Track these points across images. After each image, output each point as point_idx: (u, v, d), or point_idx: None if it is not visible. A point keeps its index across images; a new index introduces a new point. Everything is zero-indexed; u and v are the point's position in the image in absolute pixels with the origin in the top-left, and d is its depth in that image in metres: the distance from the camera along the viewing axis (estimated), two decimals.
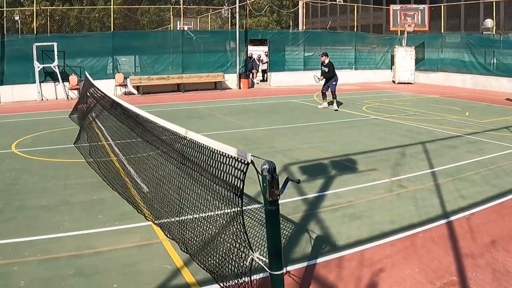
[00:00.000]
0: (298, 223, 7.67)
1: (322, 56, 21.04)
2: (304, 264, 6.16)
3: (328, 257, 6.39)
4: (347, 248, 6.68)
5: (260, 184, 4.06)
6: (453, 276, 5.95)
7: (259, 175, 4.04)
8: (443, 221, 7.90)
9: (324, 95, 21.12)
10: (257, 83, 33.75)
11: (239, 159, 4.34)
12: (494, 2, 34.32)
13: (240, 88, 30.48)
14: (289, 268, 5.95)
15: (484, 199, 9.09)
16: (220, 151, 4.72)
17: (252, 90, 30.42)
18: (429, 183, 10.06)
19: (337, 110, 20.36)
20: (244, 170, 4.25)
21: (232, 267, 4.89)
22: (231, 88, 30.38)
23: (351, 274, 5.92)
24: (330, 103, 20.97)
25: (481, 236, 7.28)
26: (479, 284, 5.74)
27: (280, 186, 4.08)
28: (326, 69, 20.53)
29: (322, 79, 20.71)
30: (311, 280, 5.75)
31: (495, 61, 32.04)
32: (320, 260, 6.28)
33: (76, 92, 25.88)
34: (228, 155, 4.53)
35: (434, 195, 9.26)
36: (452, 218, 8.05)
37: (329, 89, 20.86)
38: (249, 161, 4.15)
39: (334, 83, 20.68)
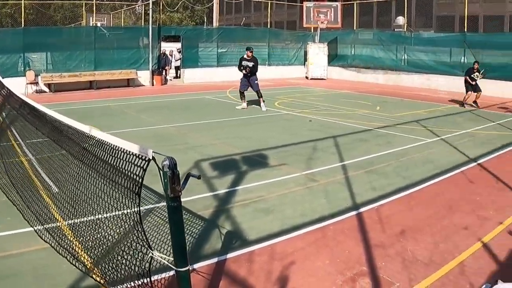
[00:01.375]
0: (208, 219, 7.59)
1: (248, 51, 20.60)
2: (214, 260, 6.10)
3: (239, 252, 6.37)
4: (258, 243, 6.68)
5: (161, 181, 3.96)
6: (363, 266, 6.05)
7: (160, 171, 3.94)
8: (353, 213, 8.04)
9: (242, 95, 20.40)
10: (170, 79, 33.33)
11: (140, 156, 4.21)
12: (406, 0, 35.29)
13: (153, 85, 30.01)
14: (199, 264, 5.89)
15: (394, 190, 9.32)
16: (121, 148, 4.58)
17: (165, 87, 30.00)
18: (340, 176, 10.20)
19: (265, 110, 19.76)
20: (144, 167, 4.13)
21: (132, 268, 4.76)
22: (144, 85, 29.86)
23: (261, 268, 5.91)
24: (257, 103, 20.48)
25: (391, 227, 7.44)
26: (389, 273, 5.85)
27: (182, 182, 3.99)
28: (251, 64, 20.02)
29: (247, 72, 20.23)
30: (221, 276, 5.70)
31: (406, 57, 32.97)
32: (230, 255, 6.24)
33: None
34: (129, 152, 4.39)
35: (345, 188, 9.40)
36: (362, 209, 8.20)
37: (251, 88, 20.21)
38: (150, 158, 4.04)
39: (256, 82, 20.16)
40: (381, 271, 5.90)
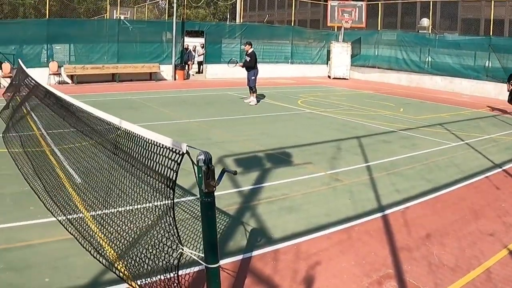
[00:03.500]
0: (233, 215, 7.56)
1: (245, 45, 20.67)
2: (240, 257, 6.07)
3: (264, 250, 6.33)
4: (283, 241, 6.63)
5: (195, 175, 3.93)
6: (389, 269, 5.98)
7: (195, 166, 3.91)
8: (378, 215, 7.97)
9: (250, 90, 20.53)
10: (193, 75, 33.43)
11: (173, 149, 4.19)
12: (431, 2, 35.19)
13: (175, 79, 30.09)
14: (224, 261, 5.84)
15: (419, 193, 9.23)
16: (154, 141, 4.56)
17: (187, 81, 30.08)
18: (364, 177, 10.14)
19: (251, 104, 19.97)
20: (179, 161, 4.10)
21: (159, 262, 4.74)
22: (166, 79, 29.94)
23: (287, 267, 5.87)
24: (247, 96, 20.62)
25: (416, 230, 7.36)
26: (415, 277, 5.78)
27: (216, 177, 3.96)
28: (248, 58, 20.05)
29: (239, 66, 20.14)
30: (247, 274, 5.66)
31: (430, 60, 32.83)
32: (255, 253, 6.21)
33: (8, 80, 25.04)
34: (163, 145, 4.37)
35: (369, 189, 9.33)
36: (388, 211, 8.13)
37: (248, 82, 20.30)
38: (184, 151, 4.01)
39: (253, 77, 20.12)
40: (407, 275, 5.84)
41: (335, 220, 7.60)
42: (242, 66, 20.44)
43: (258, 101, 20.54)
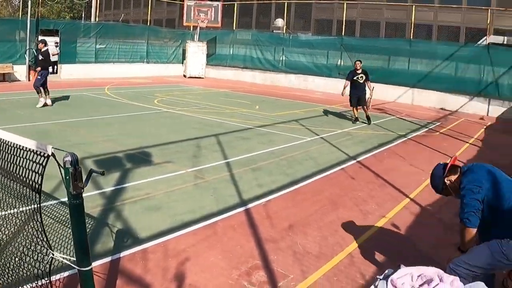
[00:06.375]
0: (98, 218, 7.44)
1: (40, 44, 19.31)
2: (108, 259, 6.02)
3: (132, 250, 6.32)
4: (150, 240, 6.66)
5: (62, 178, 3.88)
6: (256, 260, 6.21)
7: (61, 168, 3.86)
8: (241, 209, 8.21)
9: (39, 90, 18.71)
10: None
11: (38, 152, 4.11)
12: (286, 3, 36.26)
13: (29, 80, 28.87)
14: (93, 264, 5.73)
15: (279, 187, 9.61)
16: (17, 144, 4.44)
17: None
18: (225, 173, 10.35)
19: (42, 106, 18.42)
20: (44, 164, 4.03)
21: (32, 269, 4.63)
22: (20, 80, 28.74)
23: (157, 265, 5.92)
24: (43, 98, 18.81)
25: (279, 222, 7.67)
26: (282, 266, 6.06)
27: (84, 178, 3.93)
28: (41, 57, 18.74)
29: (38, 70, 19.07)
30: (118, 275, 5.64)
31: (284, 58, 33.96)
32: (124, 254, 6.18)
33: None
34: (26, 148, 4.27)
35: (231, 185, 9.56)
36: (250, 205, 8.40)
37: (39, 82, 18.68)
38: (50, 154, 3.96)
39: (39, 77, 18.63)
40: (274, 264, 6.09)
41: (199, 216, 7.72)
42: (40, 70, 18.74)
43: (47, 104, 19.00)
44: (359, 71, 18.06)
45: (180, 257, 6.16)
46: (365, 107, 18.37)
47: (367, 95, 18.21)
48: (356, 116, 18.56)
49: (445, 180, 5.13)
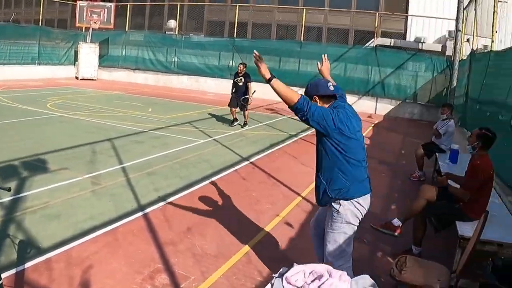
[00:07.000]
0: None
1: None
2: (13, 271, 6.00)
3: (36, 260, 6.33)
4: (53, 249, 6.70)
5: None
6: (157, 263, 6.47)
7: None
8: (139, 214, 8.40)
9: None
10: None
11: None
12: (178, 5, 36.36)
13: None
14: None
15: (175, 190, 9.89)
16: None
17: None
18: (121, 179, 10.48)
19: None
20: None
21: None
22: None
23: (62, 274, 6.00)
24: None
25: (177, 225, 7.98)
26: (183, 268, 6.38)
27: None
28: None
29: None
30: (23, 287, 5.69)
31: (176, 60, 34.16)
32: (28, 265, 6.20)
33: None
34: None
35: (128, 190, 9.72)
36: (148, 210, 8.61)
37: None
38: None
39: None
40: (175, 267, 6.38)
41: (100, 223, 7.84)
42: None
43: None
44: (241, 74, 18.06)
45: (84, 264, 6.29)
46: (243, 111, 18.36)
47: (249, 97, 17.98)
48: (234, 117, 18.50)
49: (315, 97, 5.26)
